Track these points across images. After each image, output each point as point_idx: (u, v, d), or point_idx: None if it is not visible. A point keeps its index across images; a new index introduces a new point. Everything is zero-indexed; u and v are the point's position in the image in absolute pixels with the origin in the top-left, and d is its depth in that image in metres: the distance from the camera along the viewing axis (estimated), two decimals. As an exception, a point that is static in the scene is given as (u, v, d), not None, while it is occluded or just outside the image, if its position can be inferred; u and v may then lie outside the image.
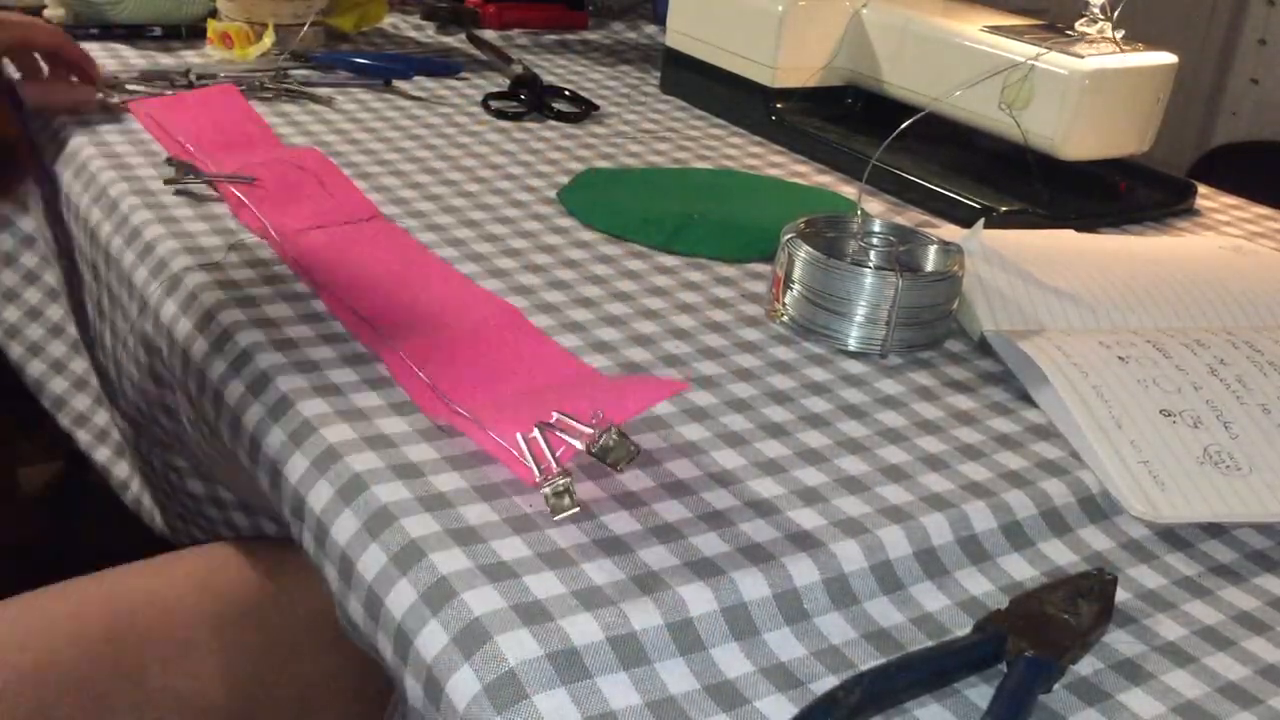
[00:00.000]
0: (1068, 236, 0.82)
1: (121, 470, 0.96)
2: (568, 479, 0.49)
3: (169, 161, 0.80)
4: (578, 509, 0.48)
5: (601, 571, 0.46)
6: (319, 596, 0.54)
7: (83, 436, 1.00)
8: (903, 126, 0.77)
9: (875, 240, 0.70)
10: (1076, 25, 0.90)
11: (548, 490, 0.49)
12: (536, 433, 0.50)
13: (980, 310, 0.68)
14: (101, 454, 0.98)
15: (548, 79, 1.10)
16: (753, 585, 0.46)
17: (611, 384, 0.58)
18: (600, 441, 0.50)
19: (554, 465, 0.49)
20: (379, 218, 0.76)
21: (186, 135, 0.86)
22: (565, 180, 0.87)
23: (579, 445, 0.50)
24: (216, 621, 0.70)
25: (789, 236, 0.67)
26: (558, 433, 0.50)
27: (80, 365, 1.00)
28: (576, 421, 0.50)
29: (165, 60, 1.05)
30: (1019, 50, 0.87)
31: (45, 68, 0.93)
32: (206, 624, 0.70)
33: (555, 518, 0.48)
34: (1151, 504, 0.55)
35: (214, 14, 1.09)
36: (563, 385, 0.58)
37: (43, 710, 0.63)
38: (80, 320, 0.93)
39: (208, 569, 0.73)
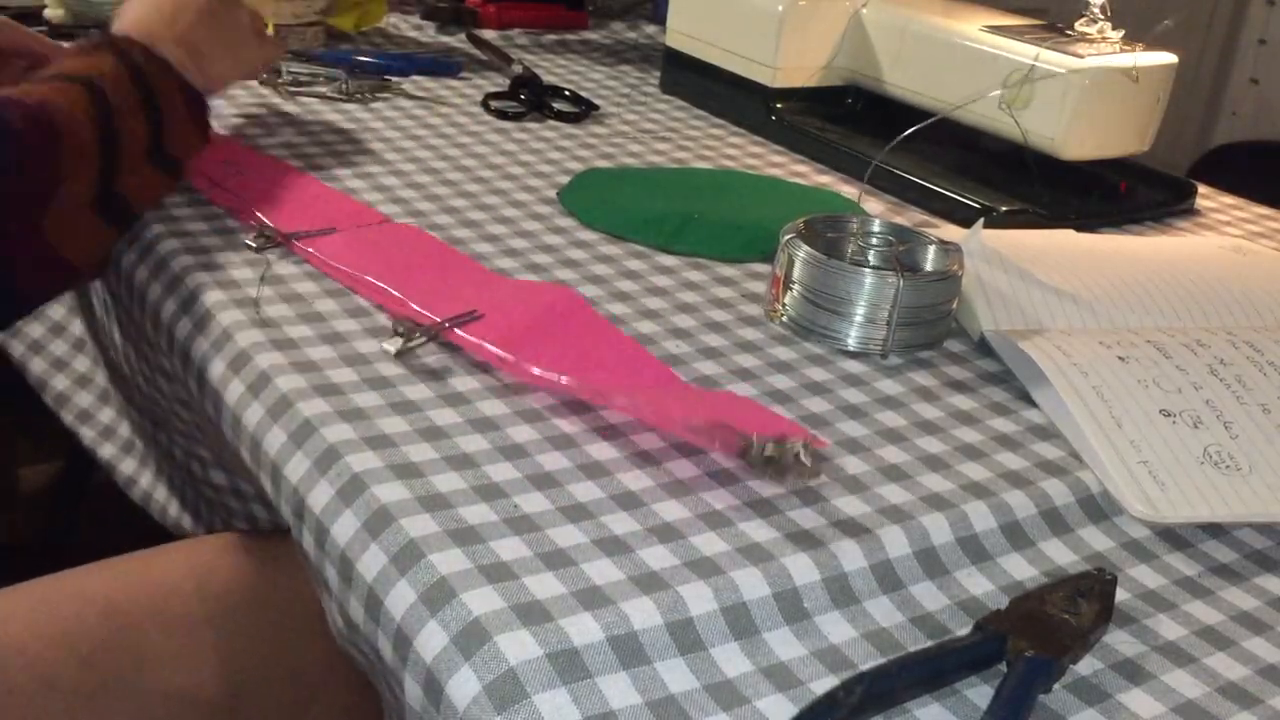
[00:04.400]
0: (1068, 236, 0.82)
1: (128, 466, 0.96)
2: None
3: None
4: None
5: (601, 571, 0.46)
6: (313, 586, 0.54)
7: (86, 433, 1.00)
8: (907, 132, 0.77)
9: (875, 240, 0.70)
10: (1076, 25, 0.90)
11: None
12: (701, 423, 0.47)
13: (980, 310, 0.68)
14: (107, 450, 0.98)
15: (548, 79, 1.10)
16: (752, 584, 0.46)
17: (729, 403, 0.55)
18: (779, 453, 0.47)
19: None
20: (388, 221, 0.76)
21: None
22: (565, 180, 0.87)
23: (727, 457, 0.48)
24: (212, 612, 0.70)
25: (789, 236, 0.67)
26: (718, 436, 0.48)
27: (83, 363, 1.00)
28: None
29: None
30: (1019, 50, 0.87)
31: None
32: (202, 614, 0.70)
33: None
34: (1151, 504, 0.55)
35: (214, 14, 1.09)
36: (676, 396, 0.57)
37: (37, 701, 0.63)
38: (88, 317, 0.93)
39: (202, 560, 0.73)
